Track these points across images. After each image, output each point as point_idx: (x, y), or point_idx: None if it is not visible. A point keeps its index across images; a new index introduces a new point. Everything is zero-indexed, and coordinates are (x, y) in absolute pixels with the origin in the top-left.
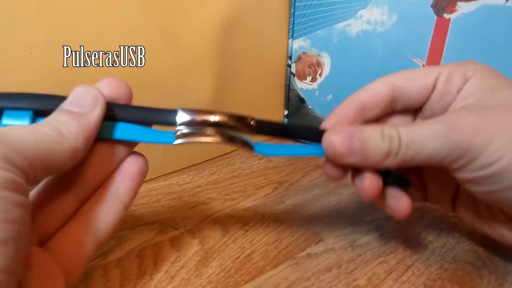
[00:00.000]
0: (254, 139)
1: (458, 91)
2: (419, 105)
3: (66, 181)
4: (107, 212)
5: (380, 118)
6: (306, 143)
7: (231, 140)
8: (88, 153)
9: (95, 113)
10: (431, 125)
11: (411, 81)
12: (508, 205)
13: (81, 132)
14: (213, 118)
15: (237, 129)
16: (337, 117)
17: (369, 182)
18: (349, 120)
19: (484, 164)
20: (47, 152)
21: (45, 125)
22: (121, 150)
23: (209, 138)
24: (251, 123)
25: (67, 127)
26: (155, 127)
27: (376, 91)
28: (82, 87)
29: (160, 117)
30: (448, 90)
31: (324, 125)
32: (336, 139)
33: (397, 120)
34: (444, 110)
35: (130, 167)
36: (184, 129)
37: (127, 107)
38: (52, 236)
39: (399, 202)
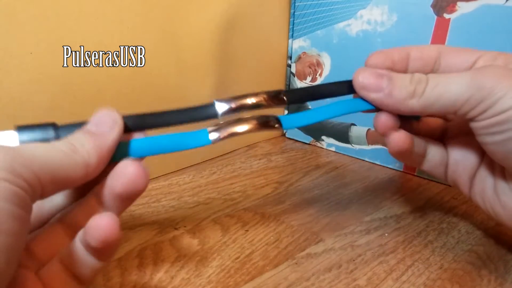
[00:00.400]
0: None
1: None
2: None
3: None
4: (85, 257)
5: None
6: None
7: (265, 124)
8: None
9: (112, 133)
10: (459, 73)
11: (456, 54)
12: None
13: (95, 148)
14: (250, 100)
15: (270, 106)
16: (381, 55)
17: (385, 118)
18: (390, 60)
19: (503, 108)
20: (57, 165)
21: (61, 141)
22: None
23: (244, 127)
24: (283, 97)
25: (81, 143)
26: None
27: (425, 49)
28: (103, 109)
29: (199, 114)
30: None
31: (367, 60)
32: (366, 74)
33: None
34: None
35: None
36: (215, 123)
37: (156, 115)
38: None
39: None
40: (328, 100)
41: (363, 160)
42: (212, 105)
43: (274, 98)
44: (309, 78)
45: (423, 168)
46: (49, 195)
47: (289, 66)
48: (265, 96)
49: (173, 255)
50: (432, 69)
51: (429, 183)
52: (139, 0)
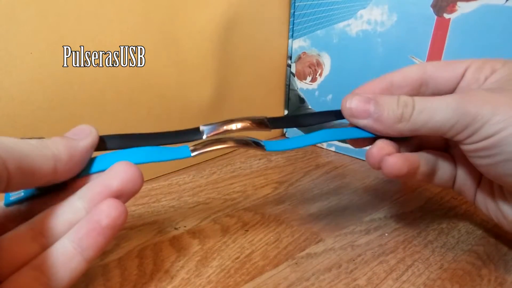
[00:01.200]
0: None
1: (486, 79)
2: (447, 92)
3: (34, 224)
4: (64, 265)
5: None
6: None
7: (244, 143)
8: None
9: (85, 140)
10: (444, 97)
11: (443, 68)
12: (509, 180)
13: (66, 147)
14: (235, 126)
15: (254, 129)
16: (362, 90)
17: (379, 146)
18: (374, 92)
19: (488, 134)
20: (24, 153)
21: (34, 139)
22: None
23: (224, 145)
24: (265, 121)
25: (53, 141)
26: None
27: (407, 73)
28: (82, 124)
29: (185, 138)
30: (476, 78)
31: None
32: (353, 100)
33: None
34: None
35: (100, 218)
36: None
37: (143, 136)
38: (4, 280)
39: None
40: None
41: (363, 160)
42: (198, 131)
43: (256, 122)
44: (309, 78)
45: (432, 183)
46: (17, 186)
47: (289, 66)
48: (250, 122)
49: (173, 255)
50: (419, 93)
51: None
52: (139, 0)
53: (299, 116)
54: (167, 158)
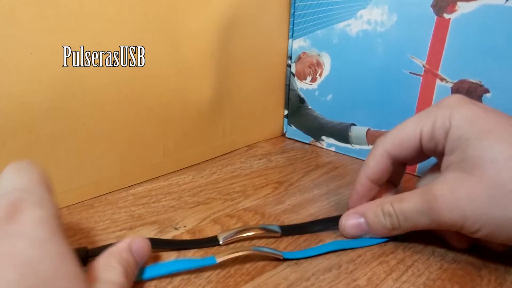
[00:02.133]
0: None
1: (443, 144)
2: (417, 156)
3: None
4: None
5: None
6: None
7: (261, 250)
8: None
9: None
10: (415, 201)
11: (400, 148)
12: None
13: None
14: (249, 233)
15: (265, 237)
16: (354, 198)
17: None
18: (364, 196)
19: (471, 231)
20: None
21: None
22: None
23: (245, 252)
24: (276, 229)
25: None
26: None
27: (377, 167)
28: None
29: (205, 245)
30: (434, 145)
31: (349, 205)
32: (347, 224)
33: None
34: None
35: None
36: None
37: (174, 242)
38: None
39: None
40: None
41: (363, 160)
42: (216, 239)
43: (268, 230)
44: (309, 78)
45: None
46: None
47: (289, 66)
48: (261, 229)
49: (173, 255)
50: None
51: None
52: (139, 0)
53: (307, 223)
54: (197, 266)
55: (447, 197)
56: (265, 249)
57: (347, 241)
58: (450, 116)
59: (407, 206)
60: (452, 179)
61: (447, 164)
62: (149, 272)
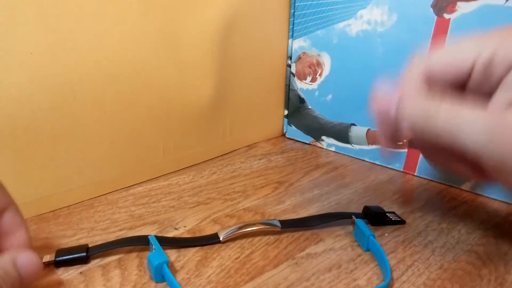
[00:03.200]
0: None
1: (499, 78)
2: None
3: None
4: None
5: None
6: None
7: (265, 224)
8: None
9: None
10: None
11: (448, 67)
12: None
13: None
14: (250, 228)
15: (266, 232)
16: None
17: None
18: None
19: None
20: None
21: None
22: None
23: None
24: (276, 223)
25: None
26: None
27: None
28: None
29: (206, 242)
30: (483, 77)
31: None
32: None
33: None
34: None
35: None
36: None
37: (176, 240)
38: None
39: None
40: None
41: (363, 160)
42: (216, 236)
43: (268, 224)
44: (309, 78)
45: None
46: None
47: (289, 66)
48: (261, 224)
49: (173, 255)
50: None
51: (429, 183)
52: (139, 0)
53: (307, 218)
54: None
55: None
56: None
57: None
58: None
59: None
60: None
61: (505, 101)
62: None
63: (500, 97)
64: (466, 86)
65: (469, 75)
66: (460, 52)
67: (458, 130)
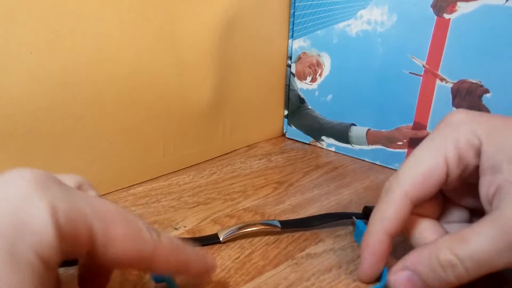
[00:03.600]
0: None
1: (474, 165)
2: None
3: None
4: None
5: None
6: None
7: (264, 224)
8: None
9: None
10: (489, 237)
11: (424, 186)
12: None
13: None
14: (250, 229)
15: (266, 232)
16: (371, 262)
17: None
18: (385, 256)
19: None
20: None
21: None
22: None
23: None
24: (276, 224)
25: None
26: None
27: (398, 217)
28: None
29: (207, 242)
30: (461, 170)
31: (363, 273)
32: (397, 282)
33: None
34: (470, 177)
35: None
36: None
37: None
38: None
39: None
40: None
41: (363, 160)
42: (216, 236)
43: (268, 225)
44: (309, 78)
45: None
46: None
47: (289, 66)
48: (262, 224)
49: None
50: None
51: None
52: (139, 0)
53: (307, 218)
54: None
55: None
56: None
57: None
58: (473, 131)
59: (477, 247)
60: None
61: (495, 184)
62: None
63: (484, 182)
64: (450, 187)
65: (446, 175)
66: (425, 165)
67: (490, 263)
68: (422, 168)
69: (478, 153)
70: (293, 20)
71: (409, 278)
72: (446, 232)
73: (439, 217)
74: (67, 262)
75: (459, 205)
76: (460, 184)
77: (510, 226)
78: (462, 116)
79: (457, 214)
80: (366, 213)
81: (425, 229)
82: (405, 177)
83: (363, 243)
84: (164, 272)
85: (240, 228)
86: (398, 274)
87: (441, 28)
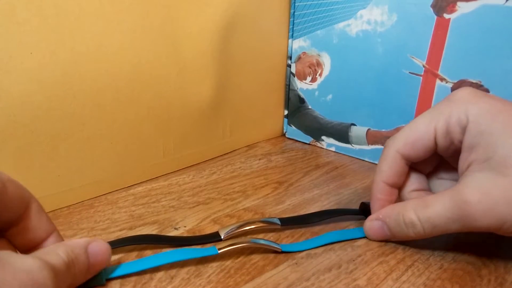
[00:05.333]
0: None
1: (459, 141)
2: (432, 155)
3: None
4: None
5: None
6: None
7: (261, 244)
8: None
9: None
10: (443, 207)
11: (413, 148)
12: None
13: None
14: (249, 227)
15: (266, 230)
16: (377, 207)
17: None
18: (387, 201)
19: (509, 232)
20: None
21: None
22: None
23: (244, 244)
24: (276, 221)
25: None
26: None
27: (392, 170)
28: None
29: (207, 240)
30: (448, 143)
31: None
32: (370, 230)
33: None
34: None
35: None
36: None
37: (177, 239)
38: None
39: None
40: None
41: (363, 160)
42: (217, 235)
43: (268, 223)
44: (309, 78)
45: None
46: None
47: (289, 66)
48: (261, 222)
49: None
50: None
51: None
52: (139, 0)
53: (306, 215)
54: (197, 256)
55: (481, 201)
56: (263, 241)
57: (343, 232)
58: (466, 110)
59: (434, 213)
60: (483, 180)
61: (467, 162)
62: (151, 261)
63: (462, 159)
64: (438, 152)
65: (435, 143)
66: (418, 130)
67: (443, 226)
68: (414, 133)
69: (464, 131)
70: (293, 20)
71: (380, 226)
72: (429, 189)
73: (434, 173)
74: None
75: (453, 167)
76: (454, 153)
77: (461, 201)
78: (464, 94)
79: (449, 173)
80: (363, 209)
81: (412, 184)
82: (400, 138)
83: (371, 194)
84: None
85: (240, 226)
86: (373, 222)
87: (441, 28)
